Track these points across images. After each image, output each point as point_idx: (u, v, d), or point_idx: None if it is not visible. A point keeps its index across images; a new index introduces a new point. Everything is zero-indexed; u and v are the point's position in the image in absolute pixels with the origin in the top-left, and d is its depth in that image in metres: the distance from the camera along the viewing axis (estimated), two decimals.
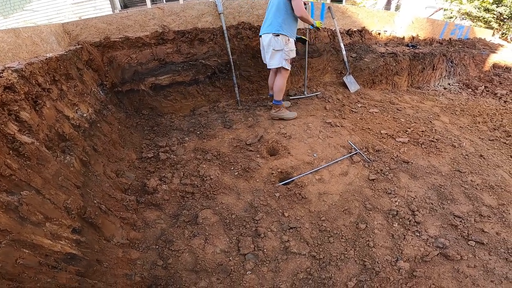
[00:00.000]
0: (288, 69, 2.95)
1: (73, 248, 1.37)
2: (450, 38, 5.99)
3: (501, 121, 3.82)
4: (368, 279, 1.77)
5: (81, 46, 2.56)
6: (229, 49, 3.14)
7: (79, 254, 1.39)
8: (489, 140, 3.32)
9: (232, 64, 3.25)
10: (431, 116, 3.50)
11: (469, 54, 5.29)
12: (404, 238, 2.00)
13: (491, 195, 2.34)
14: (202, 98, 3.49)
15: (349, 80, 4.17)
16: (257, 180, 2.41)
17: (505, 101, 4.43)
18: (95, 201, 1.71)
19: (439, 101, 4.26)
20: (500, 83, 4.97)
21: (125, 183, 2.18)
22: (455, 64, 5.07)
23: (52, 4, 9.10)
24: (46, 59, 1.91)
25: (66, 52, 2.25)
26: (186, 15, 3.00)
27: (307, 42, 3.45)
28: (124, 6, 10.87)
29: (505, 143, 3.30)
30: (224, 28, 3.10)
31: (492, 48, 5.85)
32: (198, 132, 2.97)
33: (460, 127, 3.43)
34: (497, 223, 2.12)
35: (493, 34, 6.86)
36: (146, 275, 1.70)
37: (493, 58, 5.53)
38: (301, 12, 2.71)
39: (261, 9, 3.43)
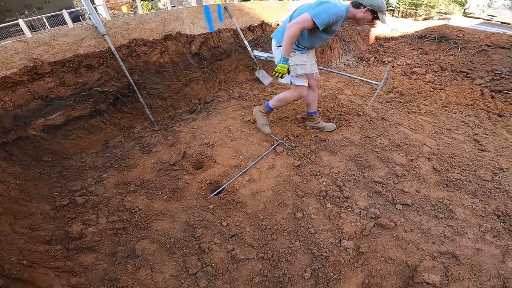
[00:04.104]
0: (297, 86, 2.48)
1: None
2: None
3: (393, 83, 4.44)
4: (321, 266, 1.82)
5: None
6: (125, 70, 2.88)
7: None
8: (387, 102, 3.81)
9: (135, 85, 2.99)
10: (336, 92, 3.84)
11: (355, 31, 6.01)
12: (340, 216, 2.10)
13: (399, 153, 2.59)
14: (112, 128, 3.16)
15: (261, 74, 4.31)
16: (188, 197, 2.35)
17: (393, 66, 5.17)
18: (13, 259, 1.58)
19: (341, 76, 4.72)
20: (385, 52, 5.78)
21: (45, 235, 1.98)
22: (347, 41, 5.70)
23: None
24: None
25: None
26: (60, 43, 2.62)
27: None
28: None
29: (400, 102, 3.83)
30: (113, 49, 2.82)
31: (371, 23, 6.76)
32: (116, 166, 2.75)
33: (361, 96, 3.86)
34: (413, 180, 2.32)
35: None
36: None
37: (374, 32, 6.40)
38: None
39: (153, 23, 3.23)
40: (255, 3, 4.90)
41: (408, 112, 3.50)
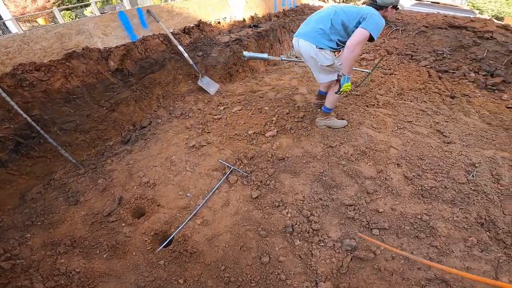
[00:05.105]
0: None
1: None
2: (283, 10, 6.39)
3: None
4: None
5: None
6: (15, 106, 2.18)
7: None
8: (344, 97, 3.56)
9: (35, 123, 2.32)
10: (291, 93, 3.50)
11: (302, 21, 5.75)
12: (312, 254, 1.81)
13: (367, 163, 2.33)
14: (25, 178, 2.50)
15: (205, 82, 3.80)
16: (133, 253, 1.96)
17: None
18: None
19: (294, 71, 4.43)
20: None
21: None
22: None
23: None
24: None
25: None
26: None
27: None
28: None
29: (356, 95, 3.58)
30: None
31: (316, 11, 6.56)
32: (38, 223, 2.25)
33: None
34: (387, 196, 2.07)
35: None
36: None
37: None
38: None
39: (44, 41, 2.51)
40: (187, 1, 4.32)
41: (367, 106, 3.29)
